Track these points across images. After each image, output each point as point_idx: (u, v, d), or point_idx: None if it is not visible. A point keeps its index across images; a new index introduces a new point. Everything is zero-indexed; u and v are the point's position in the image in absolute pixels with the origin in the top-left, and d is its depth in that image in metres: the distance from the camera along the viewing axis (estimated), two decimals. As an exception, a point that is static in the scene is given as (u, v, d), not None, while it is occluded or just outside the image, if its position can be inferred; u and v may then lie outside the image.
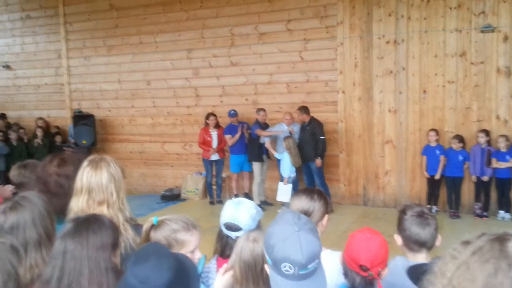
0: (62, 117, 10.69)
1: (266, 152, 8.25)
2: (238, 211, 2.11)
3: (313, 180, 7.90)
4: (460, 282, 0.89)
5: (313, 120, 7.84)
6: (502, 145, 7.03)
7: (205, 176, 8.95)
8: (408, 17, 7.69)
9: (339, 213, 7.62)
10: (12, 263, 1.40)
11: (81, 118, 9.91)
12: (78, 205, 2.12)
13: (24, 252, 1.83)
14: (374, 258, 1.70)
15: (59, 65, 10.59)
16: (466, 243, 0.94)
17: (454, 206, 7.38)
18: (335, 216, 7.18)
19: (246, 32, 8.80)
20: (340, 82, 8.19)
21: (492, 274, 0.86)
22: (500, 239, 0.90)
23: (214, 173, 8.71)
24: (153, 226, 1.95)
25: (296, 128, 7.99)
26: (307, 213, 2.11)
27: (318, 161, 7.71)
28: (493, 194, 7.24)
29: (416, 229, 2.11)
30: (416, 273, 1.91)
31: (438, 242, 2.15)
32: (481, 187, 7.25)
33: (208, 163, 8.66)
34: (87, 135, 9.78)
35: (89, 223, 1.68)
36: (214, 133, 8.51)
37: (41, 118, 10.58)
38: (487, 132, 7.16)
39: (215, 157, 8.56)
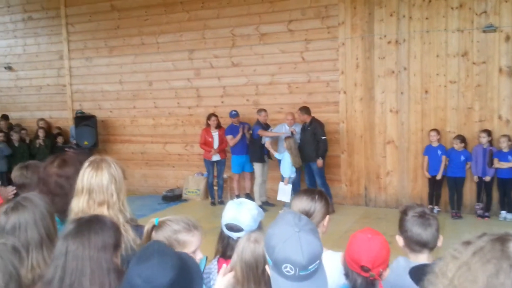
0: (64, 118, 10.71)
1: (267, 152, 8.25)
2: (240, 212, 2.10)
3: (314, 180, 7.88)
4: (461, 282, 0.89)
5: (314, 120, 7.83)
6: (504, 145, 7.02)
7: (207, 177, 8.95)
8: (409, 17, 7.68)
9: (341, 214, 7.61)
10: (14, 263, 1.40)
11: (83, 119, 9.92)
12: (78, 205, 2.12)
13: (25, 252, 1.83)
14: (375, 258, 1.69)
15: (61, 66, 10.60)
16: (467, 243, 0.94)
17: (456, 207, 7.37)
18: (336, 216, 7.18)
19: (247, 32, 8.80)
20: (341, 83, 8.19)
21: (493, 275, 0.86)
22: (501, 240, 0.90)
23: (215, 173, 8.70)
24: (155, 227, 1.94)
25: (297, 129, 7.98)
26: (308, 214, 2.10)
27: (319, 162, 7.70)
28: (495, 195, 7.23)
29: (417, 230, 2.10)
30: (418, 273, 1.90)
31: (439, 243, 2.15)
32: (483, 188, 7.24)
33: (209, 164, 8.65)
34: (89, 136, 9.79)
35: (91, 224, 1.68)
36: (215, 134, 8.51)
37: (42, 119, 10.59)
38: (489, 132, 7.15)
39: (216, 157, 8.55)
